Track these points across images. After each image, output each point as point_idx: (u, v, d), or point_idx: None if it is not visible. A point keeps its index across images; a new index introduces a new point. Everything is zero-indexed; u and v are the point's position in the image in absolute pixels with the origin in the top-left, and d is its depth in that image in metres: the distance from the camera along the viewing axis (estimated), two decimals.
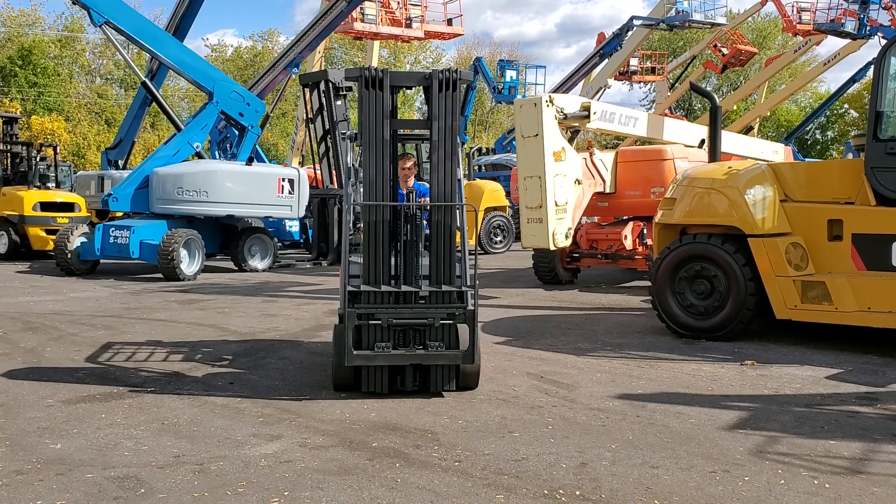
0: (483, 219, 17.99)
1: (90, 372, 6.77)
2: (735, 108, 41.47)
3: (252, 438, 4.94)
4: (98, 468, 4.40)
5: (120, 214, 15.91)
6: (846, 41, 31.84)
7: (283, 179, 15.77)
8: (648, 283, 8.55)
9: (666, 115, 20.63)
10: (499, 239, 18.57)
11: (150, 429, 5.13)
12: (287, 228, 18.99)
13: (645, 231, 11.85)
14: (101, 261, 15.10)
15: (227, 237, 15.78)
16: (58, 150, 21.10)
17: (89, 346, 7.87)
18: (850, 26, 30.41)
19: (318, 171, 17.50)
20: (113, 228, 14.38)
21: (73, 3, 14.79)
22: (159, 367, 6.92)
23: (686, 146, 12.13)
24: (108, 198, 14.65)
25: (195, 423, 5.28)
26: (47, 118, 41.76)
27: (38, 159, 19.41)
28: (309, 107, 17.29)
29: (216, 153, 16.94)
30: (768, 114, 42.93)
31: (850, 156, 26.32)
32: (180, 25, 17.48)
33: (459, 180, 6.23)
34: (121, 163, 19.88)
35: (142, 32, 15.26)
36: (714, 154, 9.60)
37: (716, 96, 10.63)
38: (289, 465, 4.45)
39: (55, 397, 5.88)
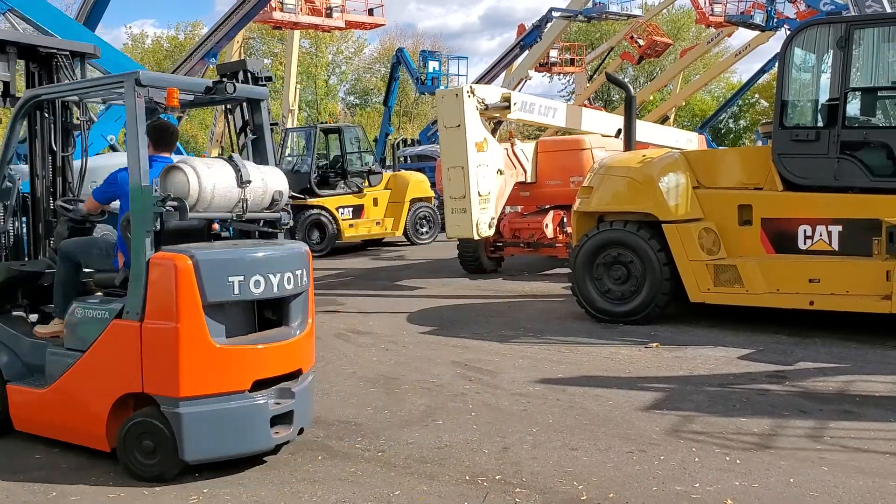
0: (409, 209, 17.97)
1: None
2: (652, 98, 42.44)
3: None
4: (7, 472, 4.25)
5: None
6: (756, 33, 32.97)
7: None
8: (569, 270, 8.69)
9: (585, 106, 20.99)
10: (425, 230, 18.56)
11: None
12: None
13: (565, 219, 12.01)
14: None
15: None
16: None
17: None
18: (759, 18, 31.50)
19: None
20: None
21: None
22: None
23: (603, 136, 12.35)
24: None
25: None
26: None
27: None
28: None
29: None
30: (683, 103, 44.09)
31: (759, 143, 27.27)
32: (91, 14, 16.87)
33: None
34: None
35: (50, 21, 14.61)
36: (629, 143, 9.81)
37: (630, 86, 10.86)
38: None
39: None
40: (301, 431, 4.59)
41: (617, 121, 12.52)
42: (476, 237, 10.53)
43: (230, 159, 4.56)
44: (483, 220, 10.33)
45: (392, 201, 17.83)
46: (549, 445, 4.56)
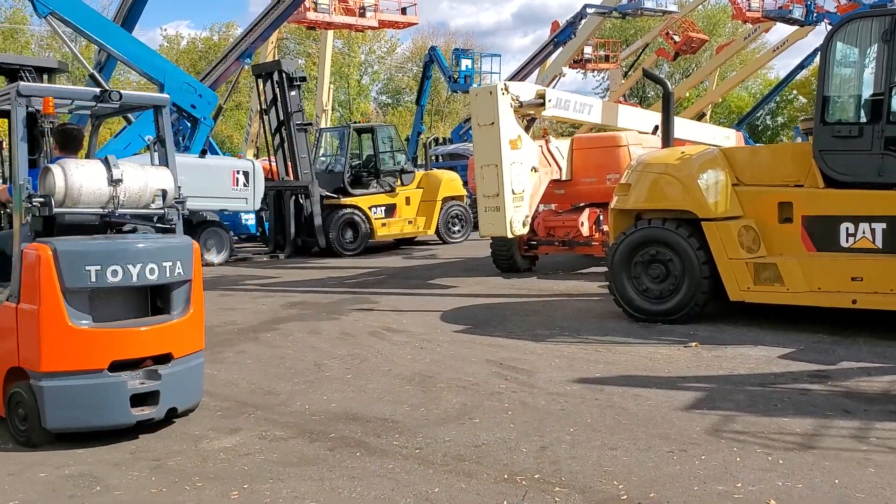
0: (441, 208, 18.00)
1: None
2: (687, 95, 41.98)
3: (210, 432, 4.88)
4: (52, 467, 4.32)
5: None
6: (794, 28, 32.47)
7: (238, 172, 15.54)
8: (605, 269, 8.63)
9: (620, 103, 20.82)
10: (457, 228, 18.57)
11: None
12: (243, 221, 18.78)
13: (601, 217, 11.93)
14: None
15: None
16: (3, 146, 20.54)
17: None
18: (798, 13, 31.02)
19: (274, 163, 17.33)
20: None
21: None
22: None
23: (640, 132, 12.25)
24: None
25: None
26: None
27: None
28: (262, 98, 17.09)
29: None
30: (720, 100, 43.57)
31: (799, 140, 26.84)
32: (129, 16, 17.11)
33: None
34: None
35: (89, 23, 14.89)
36: (667, 140, 9.70)
37: (668, 82, 10.73)
38: (248, 457, 4.42)
39: None
40: (173, 411, 4.94)
41: (654, 117, 12.41)
42: (510, 235, 10.51)
43: (105, 160, 4.97)
44: (517, 219, 10.30)
45: (424, 200, 17.85)
46: (587, 445, 4.52)
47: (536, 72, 30.66)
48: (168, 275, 4.89)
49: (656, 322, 8.01)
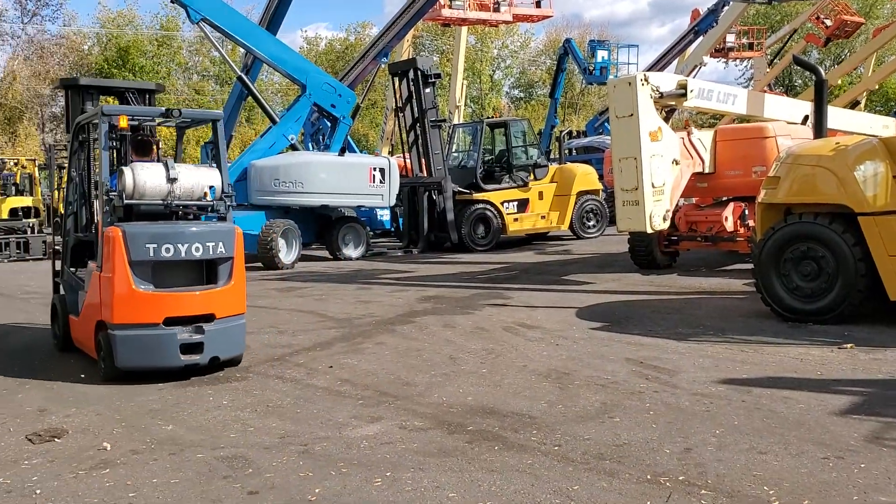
0: (575, 203, 17.76)
1: None
2: (839, 82, 39.49)
3: (353, 420, 5.03)
4: (208, 448, 4.56)
5: None
6: None
7: (375, 169, 15.95)
8: (751, 266, 8.26)
9: (765, 92, 19.84)
10: (592, 223, 18.27)
11: (255, 411, 5.29)
12: (378, 217, 19.25)
13: (746, 212, 11.43)
14: None
15: (321, 226, 16.09)
16: (160, 146, 21.88)
17: None
18: None
19: (408, 160, 17.64)
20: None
21: (172, 2, 15.31)
22: (262, 352, 7.12)
23: (788, 123, 11.64)
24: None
25: (298, 405, 5.41)
26: None
27: None
28: (398, 96, 17.43)
29: (310, 145, 17.28)
30: (876, 87, 40.68)
31: None
32: (272, 20, 17.88)
33: None
34: None
35: (237, 28, 15.67)
36: (820, 130, 9.18)
37: (821, 69, 10.14)
38: (389, 446, 4.51)
39: (165, 381, 6.11)
40: (216, 360, 6.19)
41: (804, 107, 11.77)
42: (649, 230, 10.24)
43: (165, 163, 6.32)
44: (657, 213, 10.03)
45: (558, 195, 17.67)
46: (734, 448, 4.34)
47: (675, 62, 29.70)
48: (211, 253, 6.17)
49: (807, 322, 7.60)
